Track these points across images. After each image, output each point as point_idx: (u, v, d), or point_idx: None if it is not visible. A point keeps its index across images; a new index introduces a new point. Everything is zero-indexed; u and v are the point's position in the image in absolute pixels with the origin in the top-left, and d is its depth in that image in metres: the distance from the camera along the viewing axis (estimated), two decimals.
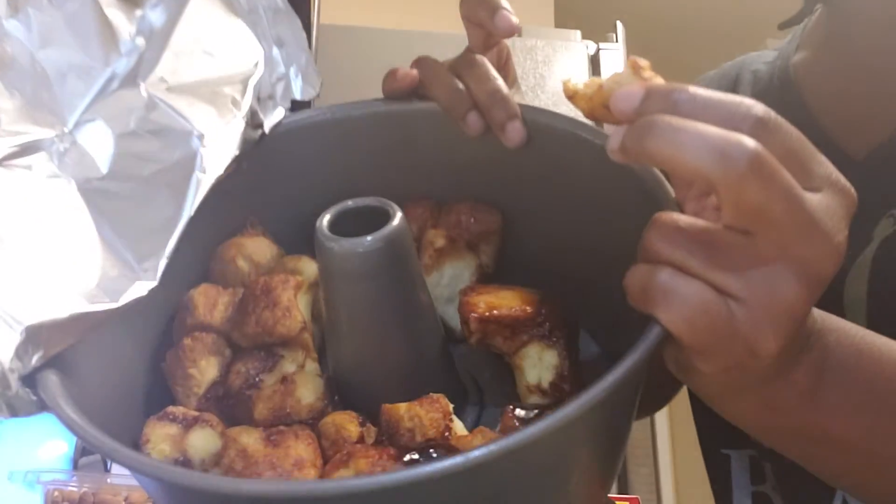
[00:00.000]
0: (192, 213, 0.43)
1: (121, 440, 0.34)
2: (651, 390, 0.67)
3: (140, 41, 0.45)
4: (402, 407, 0.40)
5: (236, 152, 0.46)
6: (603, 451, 0.42)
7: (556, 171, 0.49)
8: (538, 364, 0.45)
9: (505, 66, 0.50)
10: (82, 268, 0.39)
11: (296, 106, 0.53)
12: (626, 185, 0.42)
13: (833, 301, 0.55)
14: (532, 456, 0.34)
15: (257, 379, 0.44)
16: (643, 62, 0.36)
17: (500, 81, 0.47)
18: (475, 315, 0.44)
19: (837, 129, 0.60)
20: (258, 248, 0.50)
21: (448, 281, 0.52)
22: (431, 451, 0.38)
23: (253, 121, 0.48)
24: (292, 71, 0.52)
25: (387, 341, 0.44)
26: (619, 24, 1.79)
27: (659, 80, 0.35)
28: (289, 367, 0.45)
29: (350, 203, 0.43)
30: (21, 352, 0.35)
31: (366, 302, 0.43)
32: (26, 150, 0.42)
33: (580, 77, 0.43)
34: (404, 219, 0.42)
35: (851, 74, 0.60)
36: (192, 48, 0.47)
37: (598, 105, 0.37)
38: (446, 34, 1.76)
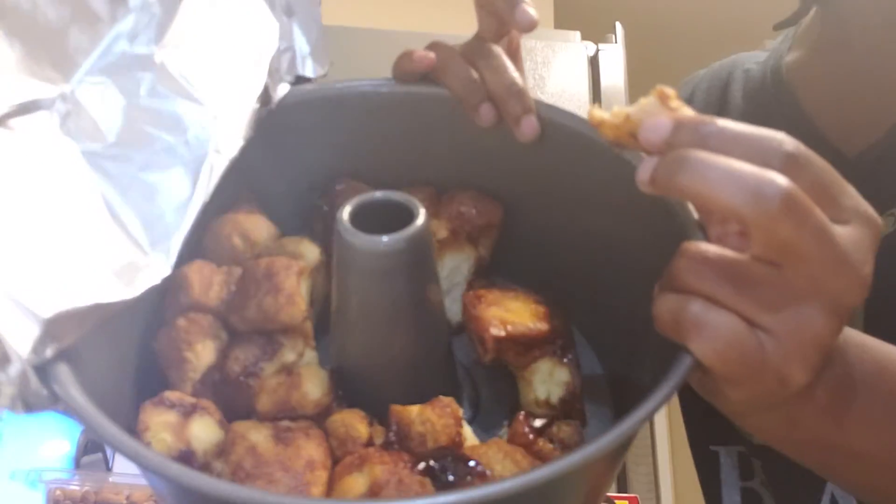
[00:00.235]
0: (207, 197, 0.41)
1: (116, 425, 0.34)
2: None
3: None
4: (414, 410, 0.40)
5: (251, 133, 0.44)
6: (615, 465, 0.42)
7: (566, 171, 0.49)
8: (548, 380, 0.45)
9: (515, 57, 0.50)
10: (95, 251, 0.38)
11: (298, 80, 0.51)
12: (642, 194, 0.43)
13: None
14: (554, 488, 0.34)
15: (257, 367, 0.43)
16: (670, 91, 0.36)
17: (517, 74, 0.47)
18: (493, 335, 0.43)
19: (831, 129, 0.61)
20: (255, 227, 0.48)
21: (447, 273, 0.52)
22: (448, 458, 0.38)
23: (264, 98, 0.46)
24: (301, 44, 0.49)
25: (395, 337, 0.44)
26: (619, 26, 1.80)
27: (687, 110, 0.36)
28: (289, 355, 0.44)
29: (374, 195, 0.42)
30: (38, 346, 0.34)
31: (380, 298, 0.42)
32: (27, 108, 0.39)
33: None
34: (427, 219, 0.41)
35: (845, 75, 0.60)
36: (205, 14, 0.44)
37: (625, 134, 0.37)
38: (448, 35, 1.76)
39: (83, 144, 0.40)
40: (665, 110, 0.35)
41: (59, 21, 0.40)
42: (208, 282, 0.44)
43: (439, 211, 0.52)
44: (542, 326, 0.43)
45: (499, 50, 0.48)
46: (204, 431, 0.41)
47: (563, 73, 1.75)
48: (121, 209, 0.40)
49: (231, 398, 0.43)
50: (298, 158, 0.53)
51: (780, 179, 0.30)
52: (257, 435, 0.40)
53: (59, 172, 0.39)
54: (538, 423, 0.42)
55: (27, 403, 0.35)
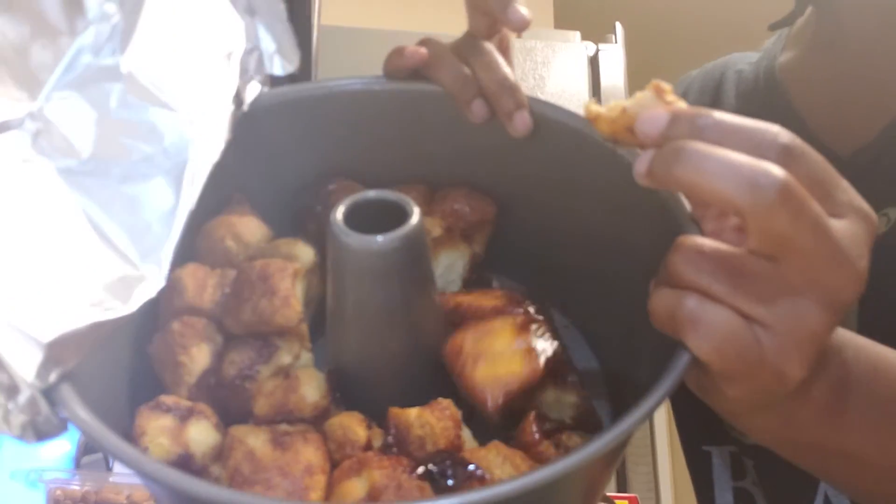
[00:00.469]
0: (193, 205, 0.41)
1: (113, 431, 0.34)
2: None
3: (110, 7, 0.42)
4: (412, 413, 0.40)
5: (229, 136, 0.44)
6: (610, 469, 0.42)
7: (559, 166, 0.49)
8: (557, 405, 0.44)
9: (506, 55, 0.50)
10: (85, 270, 0.37)
11: (273, 81, 0.51)
12: (638, 192, 0.42)
13: None
14: (553, 488, 0.34)
15: (253, 370, 0.43)
16: (666, 85, 0.36)
17: (509, 70, 0.47)
18: (492, 407, 0.41)
19: (824, 129, 0.60)
20: (248, 228, 0.48)
21: (442, 271, 0.51)
22: (447, 462, 0.37)
23: (237, 99, 0.46)
24: (266, 43, 0.49)
25: (392, 337, 0.44)
26: (619, 26, 1.80)
27: (682, 104, 0.36)
28: (284, 357, 0.44)
29: (369, 194, 0.42)
30: (42, 371, 0.34)
31: (375, 298, 0.42)
32: None
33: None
34: (422, 218, 0.41)
35: (839, 75, 0.60)
36: (168, 18, 0.44)
37: (622, 128, 0.37)
38: (447, 35, 1.76)
39: (58, 162, 0.39)
40: (661, 104, 0.35)
41: (18, 39, 0.39)
42: (202, 284, 0.44)
43: (433, 209, 0.51)
44: (535, 366, 0.41)
45: (490, 46, 0.48)
46: (201, 434, 0.40)
47: (563, 73, 1.75)
48: (105, 225, 0.39)
49: (227, 401, 0.43)
50: (290, 159, 0.52)
51: (777, 170, 0.31)
52: (255, 440, 0.39)
53: (36, 193, 0.38)
54: (548, 425, 0.41)
55: (38, 431, 0.35)
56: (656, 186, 0.35)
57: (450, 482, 0.37)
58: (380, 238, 0.40)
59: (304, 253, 0.46)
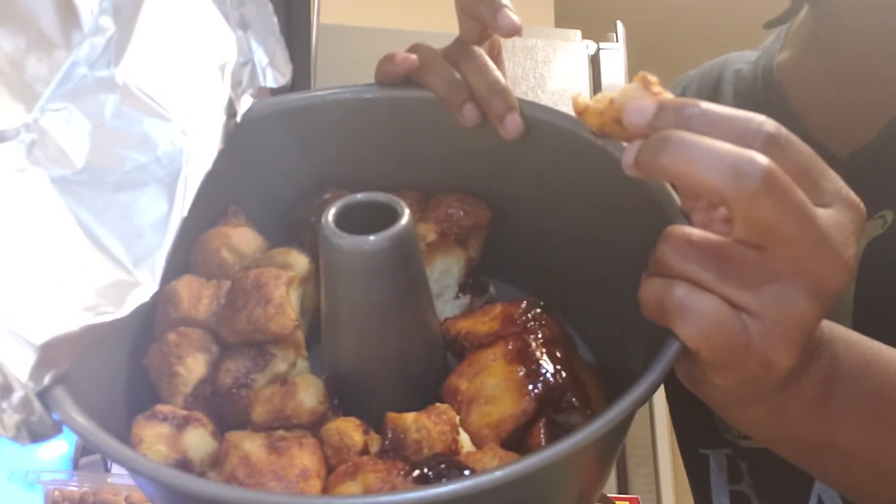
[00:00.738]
0: (185, 212, 0.41)
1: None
2: None
3: (105, 21, 0.42)
4: (409, 418, 0.40)
5: (221, 146, 0.44)
6: (607, 459, 0.42)
7: (551, 167, 0.49)
8: (563, 421, 0.43)
9: (497, 60, 0.50)
10: (79, 275, 0.38)
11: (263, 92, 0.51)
12: (628, 189, 0.42)
13: None
14: (545, 475, 0.34)
15: (249, 378, 0.43)
16: (652, 77, 0.36)
17: (499, 73, 0.47)
18: (492, 448, 0.40)
19: (821, 129, 0.60)
20: (243, 239, 0.48)
21: (438, 276, 0.51)
22: (442, 466, 0.37)
23: (229, 110, 0.46)
24: (259, 56, 0.49)
25: (387, 339, 0.44)
26: (620, 24, 1.79)
27: (668, 95, 0.36)
28: (280, 366, 0.44)
29: (358, 197, 0.42)
30: (35, 373, 0.34)
31: (369, 299, 0.42)
32: None
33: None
34: (412, 218, 0.41)
35: (837, 75, 0.60)
36: (162, 31, 0.44)
37: (609, 120, 0.37)
38: (446, 34, 1.76)
39: (52, 171, 0.40)
40: (648, 95, 0.36)
41: (14, 52, 0.40)
42: (197, 296, 0.45)
43: (427, 214, 0.51)
44: (527, 406, 0.41)
45: (480, 51, 0.48)
46: (198, 441, 0.41)
47: (564, 71, 1.75)
48: (99, 232, 0.40)
49: (223, 410, 0.43)
50: (284, 170, 0.52)
51: (760, 158, 0.31)
52: (251, 444, 0.40)
53: (30, 201, 0.39)
54: (559, 432, 0.41)
55: (32, 432, 0.35)
56: (643, 176, 0.35)
57: None
58: (371, 238, 0.40)
59: (299, 262, 0.46)
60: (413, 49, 0.49)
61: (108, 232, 0.40)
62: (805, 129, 0.60)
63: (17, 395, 0.34)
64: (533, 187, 0.51)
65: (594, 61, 1.76)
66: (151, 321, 0.45)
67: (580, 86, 1.73)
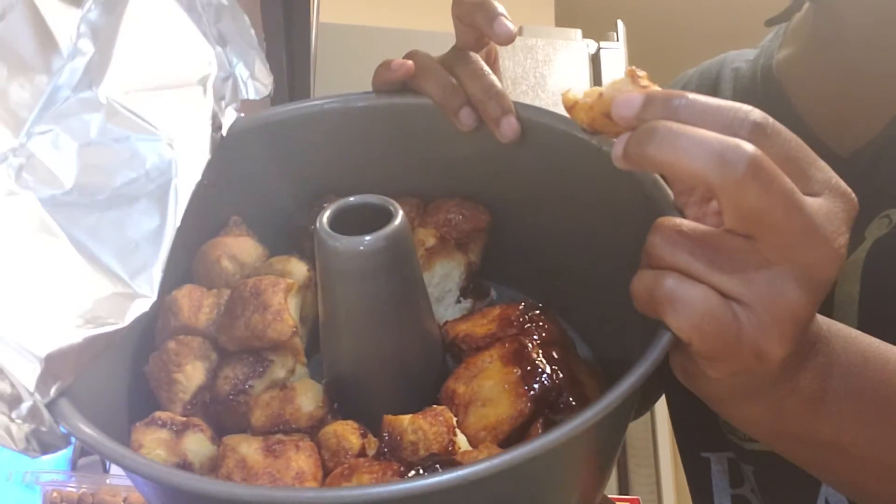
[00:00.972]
0: (178, 222, 0.41)
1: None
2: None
3: (84, 44, 0.43)
4: (406, 419, 0.40)
5: (208, 156, 0.45)
6: (604, 454, 0.42)
7: (548, 169, 0.49)
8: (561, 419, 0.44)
9: (493, 67, 0.50)
10: (77, 289, 0.38)
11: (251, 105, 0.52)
12: (623, 187, 0.43)
13: (823, 300, 0.54)
14: (537, 469, 0.34)
15: (247, 385, 0.43)
16: (641, 72, 0.37)
17: (495, 77, 0.47)
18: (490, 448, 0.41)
19: (823, 127, 0.60)
20: (243, 249, 0.48)
21: (438, 280, 0.51)
22: (437, 465, 0.37)
23: (214, 123, 0.47)
24: (240, 70, 0.50)
25: (384, 340, 0.44)
26: (620, 24, 1.79)
27: (656, 88, 0.36)
28: (279, 372, 0.44)
29: (351, 200, 0.43)
30: (41, 384, 0.35)
31: (366, 301, 0.42)
32: None
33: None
34: (406, 218, 0.41)
35: (838, 73, 0.60)
36: (141, 49, 0.45)
37: (599, 114, 0.37)
38: (446, 34, 1.75)
39: (41, 193, 0.41)
40: (637, 88, 0.36)
41: None
42: (198, 305, 0.45)
43: (426, 220, 0.52)
44: (523, 407, 0.41)
45: (476, 56, 0.48)
46: (198, 445, 0.41)
47: (565, 71, 1.74)
48: (94, 248, 0.40)
49: (222, 417, 0.43)
50: (283, 179, 0.53)
51: (746, 145, 0.31)
52: (248, 448, 0.40)
53: (23, 224, 0.39)
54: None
55: (42, 443, 0.36)
56: (633, 168, 0.35)
57: None
58: (366, 238, 0.40)
59: (298, 269, 0.47)
60: (409, 55, 0.49)
61: (103, 247, 0.40)
62: (806, 128, 0.60)
63: (25, 405, 0.35)
64: (532, 190, 0.51)
65: (594, 61, 1.76)
66: (152, 331, 0.46)
67: (580, 85, 1.72)
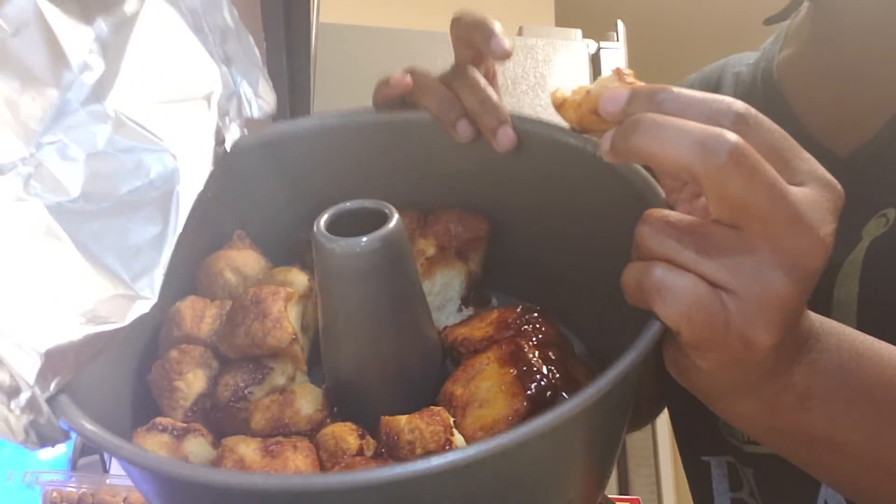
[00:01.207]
0: (180, 229, 0.42)
1: None
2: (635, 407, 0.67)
3: (94, 60, 0.45)
4: (403, 419, 0.40)
5: (211, 168, 0.46)
6: (600, 450, 0.41)
7: (545, 178, 0.49)
8: None
9: (492, 83, 0.51)
10: (79, 289, 0.39)
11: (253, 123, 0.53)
12: (617, 190, 0.43)
13: (822, 301, 0.54)
14: (527, 456, 0.34)
15: (247, 392, 0.44)
16: (627, 70, 0.37)
17: (491, 90, 0.48)
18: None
19: (821, 129, 0.60)
20: (246, 261, 0.49)
21: (439, 289, 0.52)
22: None
23: (218, 137, 0.48)
24: (244, 88, 0.52)
25: (383, 344, 0.44)
26: (620, 24, 1.79)
27: (641, 84, 0.37)
28: (279, 379, 0.45)
29: (347, 205, 0.43)
30: (41, 378, 0.35)
31: (364, 303, 0.42)
32: None
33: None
34: (401, 220, 0.42)
35: (835, 74, 0.60)
36: (149, 65, 0.47)
37: (587, 111, 0.38)
38: (446, 34, 1.76)
39: (48, 200, 0.42)
40: (623, 85, 0.37)
41: (9, 93, 0.42)
42: (200, 315, 0.46)
43: (426, 231, 0.52)
44: (519, 406, 0.41)
45: (473, 70, 0.49)
46: (199, 448, 0.41)
47: (565, 71, 1.74)
48: (97, 251, 0.41)
49: (222, 424, 0.44)
50: (285, 194, 0.53)
51: (728, 134, 0.32)
52: (245, 448, 0.40)
53: (29, 227, 0.41)
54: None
55: (41, 435, 0.36)
56: (619, 161, 0.35)
57: None
58: (363, 240, 0.40)
59: (299, 279, 0.47)
60: (407, 71, 0.51)
61: (107, 251, 0.41)
62: (804, 129, 0.60)
63: (24, 396, 0.35)
64: (530, 198, 0.51)
65: (595, 60, 1.76)
66: (156, 343, 0.47)
67: (573, 85, 1.73)
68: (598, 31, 1.80)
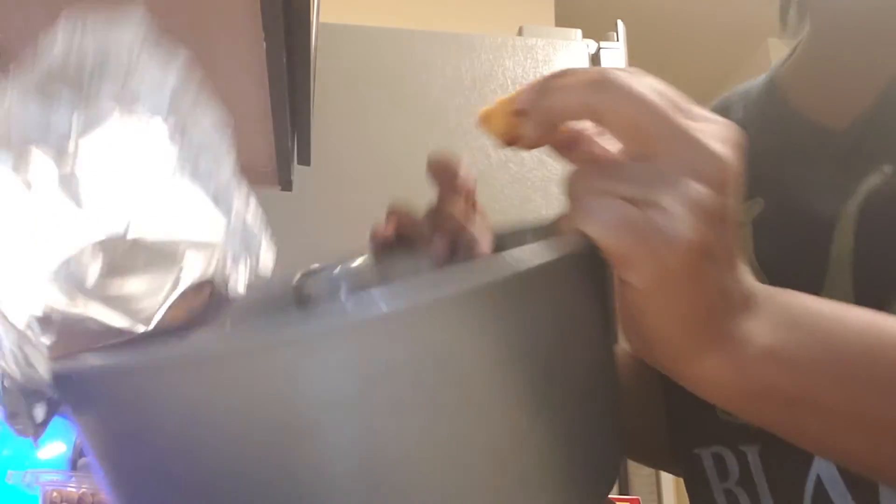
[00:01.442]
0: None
1: None
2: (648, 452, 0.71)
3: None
4: None
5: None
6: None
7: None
8: None
9: (473, 207, 0.57)
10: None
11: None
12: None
13: (818, 258, 0.55)
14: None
15: None
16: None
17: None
18: None
19: (817, 116, 0.62)
20: None
21: None
22: None
23: (215, 293, 0.48)
24: (246, 257, 0.53)
25: None
26: (620, 24, 1.79)
27: None
28: None
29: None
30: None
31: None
32: None
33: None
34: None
35: (821, 65, 0.63)
36: (153, 207, 0.47)
37: (509, 115, 0.41)
38: (446, 34, 1.76)
39: None
40: None
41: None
42: None
43: None
44: None
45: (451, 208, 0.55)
46: None
47: None
48: None
49: None
50: None
51: (613, 72, 0.37)
52: None
53: None
54: None
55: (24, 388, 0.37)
56: (536, 123, 0.39)
57: None
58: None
59: None
60: (392, 211, 0.57)
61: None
62: (802, 116, 0.63)
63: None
64: None
65: (595, 60, 1.76)
66: None
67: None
68: (598, 31, 1.79)
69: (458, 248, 0.52)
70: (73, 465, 1.03)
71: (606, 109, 0.37)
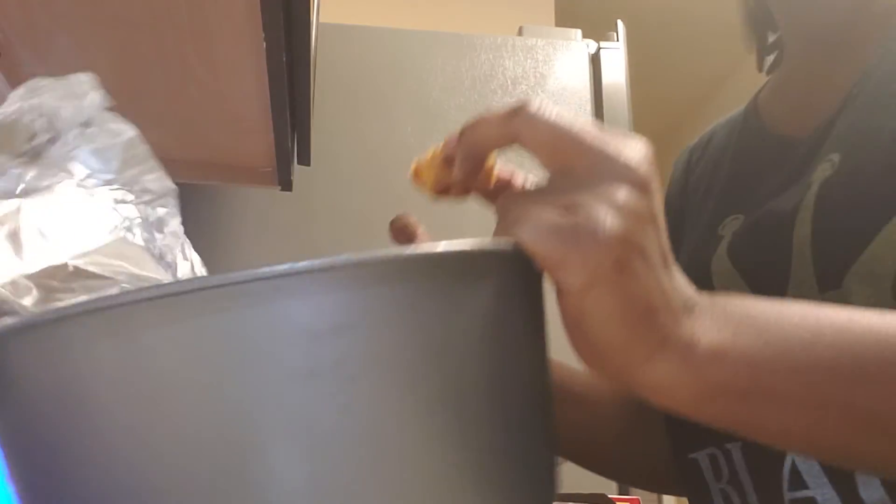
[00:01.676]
0: None
1: None
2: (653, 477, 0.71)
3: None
4: None
5: None
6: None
7: None
8: None
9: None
10: None
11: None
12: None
13: (783, 250, 0.57)
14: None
15: None
16: None
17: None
18: None
19: (785, 129, 0.68)
20: None
21: None
22: None
23: None
24: None
25: None
26: (620, 24, 1.79)
27: None
28: None
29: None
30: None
31: None
32: None
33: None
34: None
35: (793, 81, 0.70)
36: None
37: (439, 165, 0.43)
38: (446, 34, 1.76)
39: None
40: None
41: None
42: None
43: None
44: None
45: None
46: None
47: (564, 71, 1.74)
48: None
49: None
50: None
51: (524, 101, 0.39)
52: None
53: None
54: None
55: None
56: (463, 160, 0.42)
57: None
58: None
59: None
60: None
61: None
62: (772, 132, 0.69)
63: None
64: None
65: (595, 60, 1.76)
66: None
67: (580, 85, 1.72)
68: (598, 31, 1.80)
69: None
70: None
71: (523, 129, 0.39)
